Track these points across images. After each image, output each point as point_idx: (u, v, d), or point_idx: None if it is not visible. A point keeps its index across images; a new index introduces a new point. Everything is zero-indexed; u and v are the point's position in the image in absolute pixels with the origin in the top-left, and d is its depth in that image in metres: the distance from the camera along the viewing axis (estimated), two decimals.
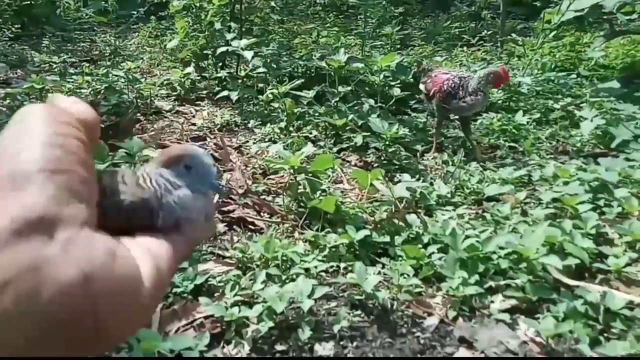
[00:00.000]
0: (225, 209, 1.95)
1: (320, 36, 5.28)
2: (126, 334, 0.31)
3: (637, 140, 2.67)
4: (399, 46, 5.55)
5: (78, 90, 3.40)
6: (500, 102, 3.46)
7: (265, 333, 1.28)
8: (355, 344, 1.28)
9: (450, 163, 2.43)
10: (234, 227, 1.85)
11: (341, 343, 1.28)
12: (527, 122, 3.06)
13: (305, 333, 1.27)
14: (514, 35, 5.15)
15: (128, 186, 0.39)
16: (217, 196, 1.76)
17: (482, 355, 1.22)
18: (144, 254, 0.33)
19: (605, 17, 5.95)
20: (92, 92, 3.38)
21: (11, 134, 0.31)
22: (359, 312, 1.38)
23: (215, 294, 1.44)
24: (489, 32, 6.37)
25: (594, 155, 2.61)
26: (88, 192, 0.31)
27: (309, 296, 1.36)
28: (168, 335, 1.30)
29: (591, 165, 2.28)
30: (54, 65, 4.32)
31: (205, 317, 1.35)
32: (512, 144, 2.81)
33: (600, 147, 2.79)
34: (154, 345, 1.19)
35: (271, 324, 1.29)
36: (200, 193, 0.40)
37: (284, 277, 1.49)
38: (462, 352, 1.25)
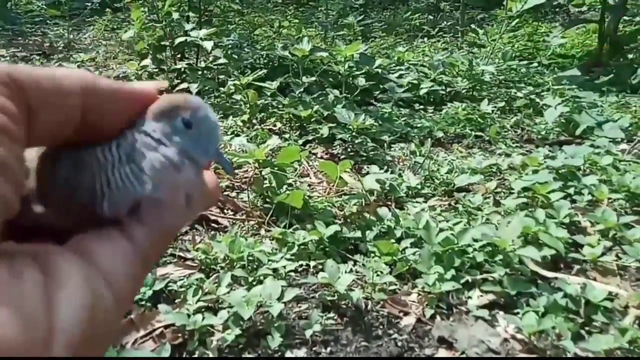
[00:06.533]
0: None
1: (281, 27, 5.16)
2: None
3: (601, 127, 2.68)
4: (360, 38, 5.49)
5: None
6: (464, 91, 3.44)
7: (231, 342, 1.18)
8: (329, 349, 1.20)
9: (418, 153, 2.38)
10: (196, 226, 1.74)
11: (314, 349, 1.20)
12: (492, 111, 3.05)
13: (275, 340, 1.18)
14: (473, 26, 5.16)
15: (63, 161, 0.26)
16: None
17: (464, 356, 1.16)
18: (82, 273, 0.22)
19: (559, 8, 6.12)
20: None
21: None
22: (331, 314, 1.30)
23: (176, 301, 1.33)
24: (449, 24, 6.39)
25: (559, 143, 2.62)
26: None
27: (278, 299, 1.27)
28: (124, 348, 1.18)
29: (557, 152, 2.26)
30: (3, 59, 4.08)
31: (166, 327, 1.24)
32: (478, 133, 2.78)
33: (565, 135, 2.80)
34: None
35: (238, 331, 1.20)
36: (196, 162, 0.27)
37: (250, 279, 1.39)
38: (442, 352, 1.19)
